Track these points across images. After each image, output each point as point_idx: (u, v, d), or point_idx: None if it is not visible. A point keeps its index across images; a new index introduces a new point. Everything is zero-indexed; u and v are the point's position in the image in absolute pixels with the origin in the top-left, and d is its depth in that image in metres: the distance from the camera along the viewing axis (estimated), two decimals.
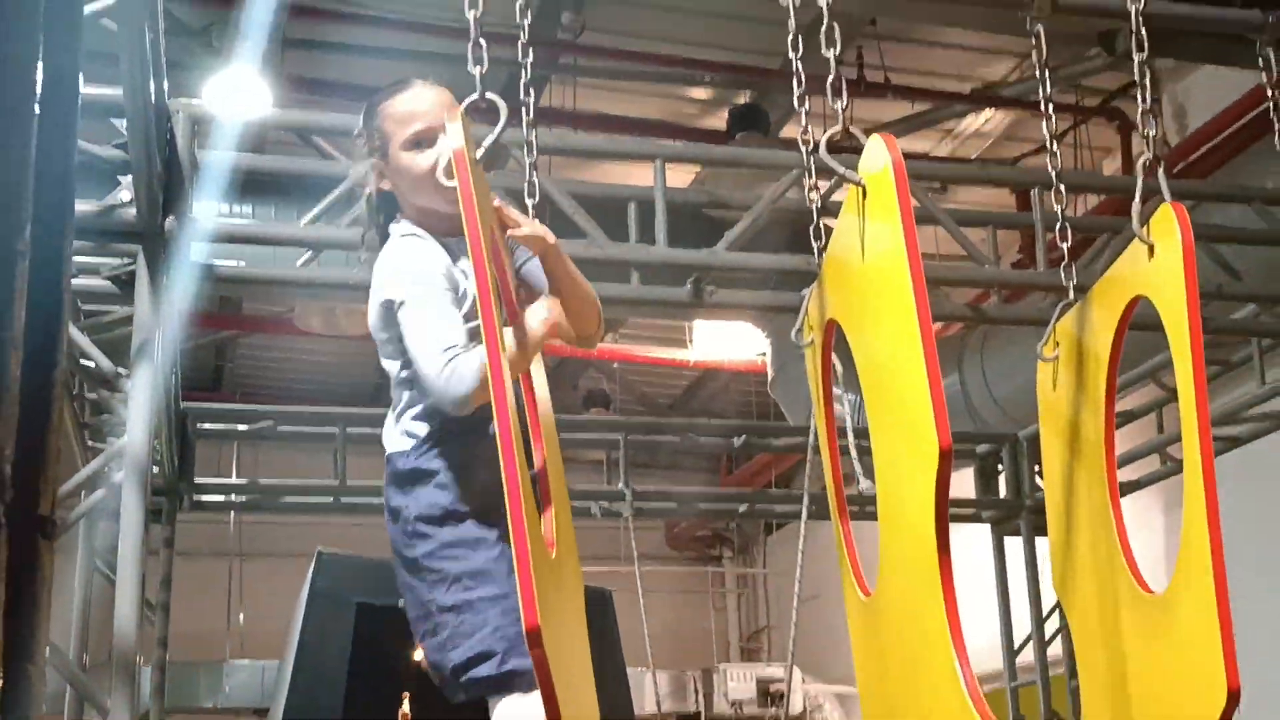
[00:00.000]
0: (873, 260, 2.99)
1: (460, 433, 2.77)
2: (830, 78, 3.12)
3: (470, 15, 2.59)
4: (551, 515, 2.77)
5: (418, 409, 2.83)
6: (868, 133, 2.97)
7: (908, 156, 2.98)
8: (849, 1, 8.81)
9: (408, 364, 2.76)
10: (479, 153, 2.53)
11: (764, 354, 10.84)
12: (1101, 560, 3.47)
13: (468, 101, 2.61)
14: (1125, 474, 6.93)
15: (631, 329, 13.13)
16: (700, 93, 10.18)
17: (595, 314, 2.97)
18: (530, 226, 2.77)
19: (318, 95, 8.76)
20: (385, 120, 2.84)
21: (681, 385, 14.49)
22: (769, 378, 10.35)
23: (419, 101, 2.84)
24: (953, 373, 9.29)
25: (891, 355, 2.91)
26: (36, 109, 1.65)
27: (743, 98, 9.83)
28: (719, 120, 10.06)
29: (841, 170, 3.05)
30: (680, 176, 9.75)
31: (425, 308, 2.71)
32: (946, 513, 2.67)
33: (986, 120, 10.44)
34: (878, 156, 2.90)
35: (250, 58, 8.08)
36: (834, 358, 3.49)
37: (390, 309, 2.74)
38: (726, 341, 11.98)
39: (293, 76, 8.84)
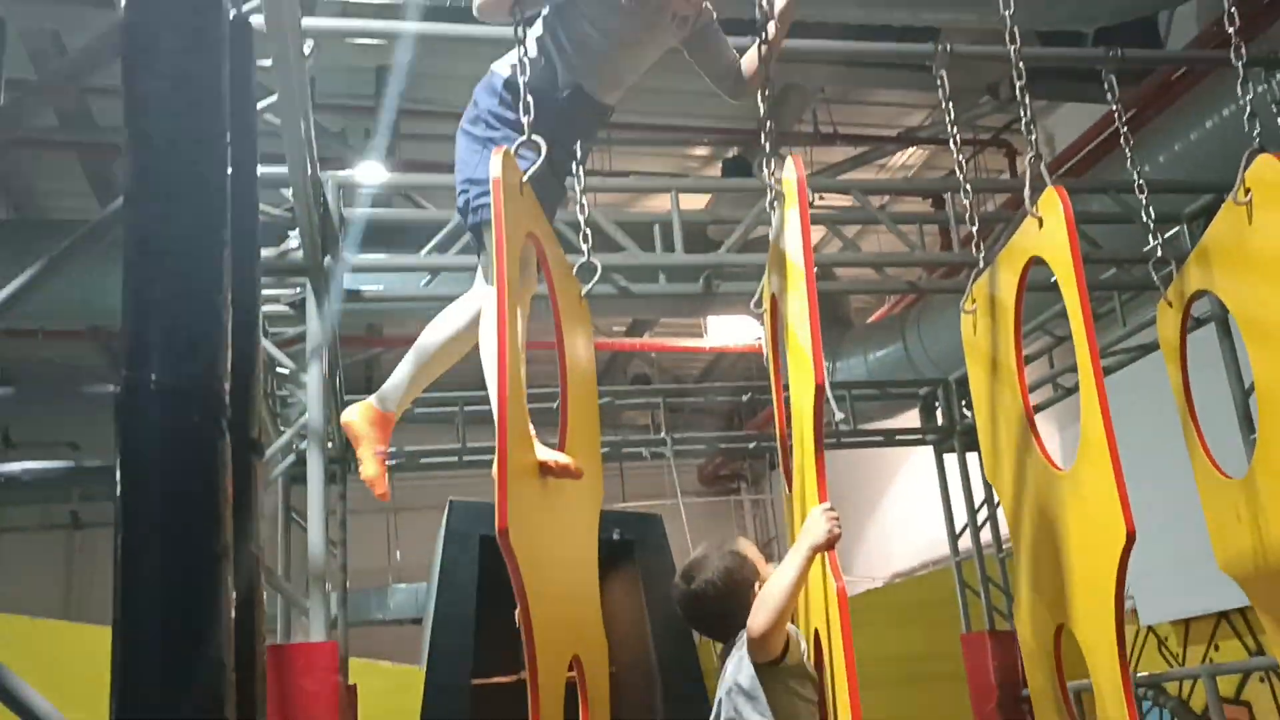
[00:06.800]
0: (788, 243, 2.84)
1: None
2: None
3: (520, 81, 2.52)
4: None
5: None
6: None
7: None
8: (807, 77, 8.78)
9: None
10: (524, 177, 2.46)
11: (759, 337, 10.74)
12: (1020, 450, 3.29)
13: (518, 143, 2.48)
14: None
15: (662, 328, 13.04)
16: (701, 150, 10.10)
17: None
18: None
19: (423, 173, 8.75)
20: None
21: (701, 365, 14.37)
22: (764, 354, 10.21)
23: None
24: (898, 340, 9.18)
25: (795, 310, 2.74)
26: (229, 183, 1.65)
27: (732, 152, 9.75)
28: (715, 171, 9.98)
29: (770, 183, 2.99)
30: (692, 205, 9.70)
31: None
32: None
33: (910, 156, 10.34)
34: (790, 172, 2.78)
35: (376, 150, 8.10)
36: None
37: None
38: (732, 331, 11.88)
39: (405, 160, 8.86)
